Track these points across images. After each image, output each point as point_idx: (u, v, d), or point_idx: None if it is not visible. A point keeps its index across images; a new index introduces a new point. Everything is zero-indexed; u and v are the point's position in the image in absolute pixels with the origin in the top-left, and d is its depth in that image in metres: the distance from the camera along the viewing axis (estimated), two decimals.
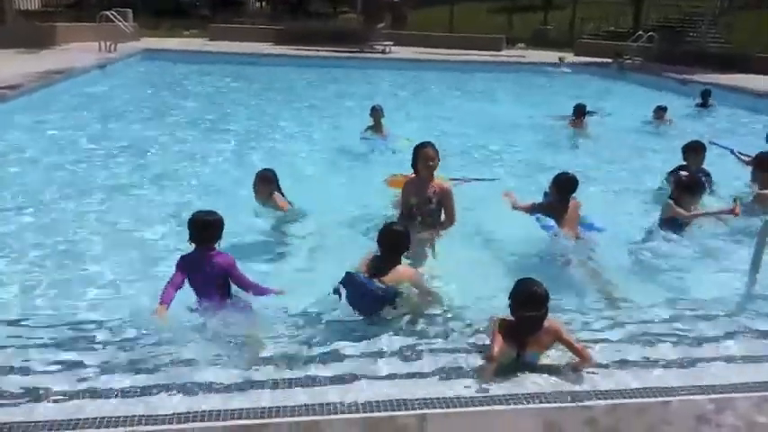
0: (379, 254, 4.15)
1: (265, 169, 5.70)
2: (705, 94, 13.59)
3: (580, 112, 10.89)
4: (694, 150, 6.98)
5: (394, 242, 4.12)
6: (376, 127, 9.22)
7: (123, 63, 16.83)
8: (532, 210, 5.49)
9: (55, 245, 5.25)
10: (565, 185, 5.40)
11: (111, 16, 17.91)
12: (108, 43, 17.46)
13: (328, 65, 19.51)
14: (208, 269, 3.79)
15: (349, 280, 3.94)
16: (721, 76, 16.74)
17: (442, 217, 5.35)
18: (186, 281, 3.79)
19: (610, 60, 20.07)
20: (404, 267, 4.15)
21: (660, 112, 11.53)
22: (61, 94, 12.37)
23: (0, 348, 3.51)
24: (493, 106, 14.25)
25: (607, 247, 5.26)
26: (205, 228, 3.80)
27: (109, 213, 6.13)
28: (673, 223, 5.46)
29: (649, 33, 20.08)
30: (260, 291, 3.98)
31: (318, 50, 21.38)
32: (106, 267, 4.85)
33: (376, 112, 9.23)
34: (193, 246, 3.84)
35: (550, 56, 21.80)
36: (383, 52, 22.20)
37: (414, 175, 5.38)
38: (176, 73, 16.90)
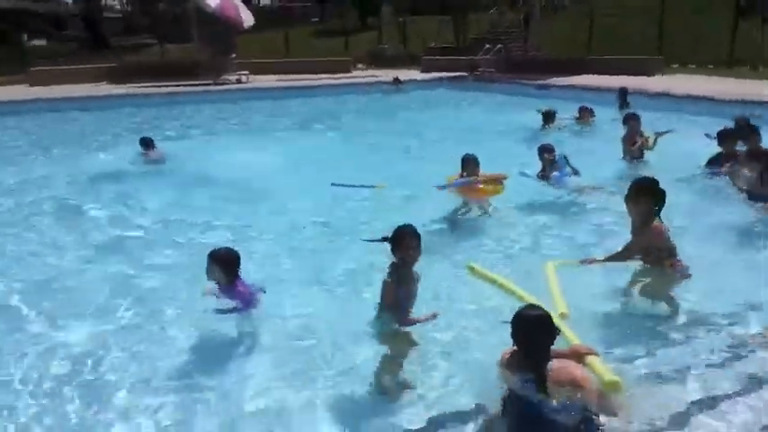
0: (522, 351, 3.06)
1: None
2: (623, 94, 13.15)
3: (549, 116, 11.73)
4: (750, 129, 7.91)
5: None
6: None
7: None
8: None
9: None
10: None
11: None
12: None
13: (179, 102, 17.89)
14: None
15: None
16: (568, 78, 18.53)
17: None
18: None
19: (465, 74, 21.18)
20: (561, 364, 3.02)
21: (585, 111, 11.91)
22: None
23: None
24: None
25: None
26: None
27: None
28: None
29: (498, 46, 21.64)
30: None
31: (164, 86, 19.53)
32: None
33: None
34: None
35: (398, 73, 22.06)
36: (239, 81, 20.96)
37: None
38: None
